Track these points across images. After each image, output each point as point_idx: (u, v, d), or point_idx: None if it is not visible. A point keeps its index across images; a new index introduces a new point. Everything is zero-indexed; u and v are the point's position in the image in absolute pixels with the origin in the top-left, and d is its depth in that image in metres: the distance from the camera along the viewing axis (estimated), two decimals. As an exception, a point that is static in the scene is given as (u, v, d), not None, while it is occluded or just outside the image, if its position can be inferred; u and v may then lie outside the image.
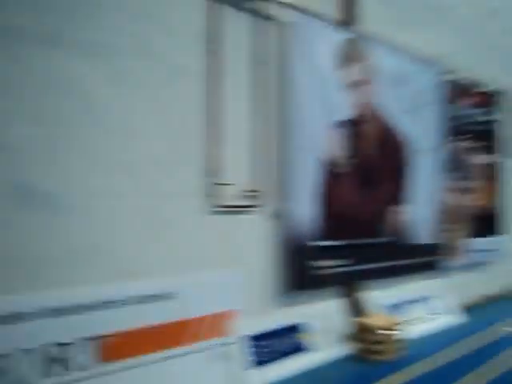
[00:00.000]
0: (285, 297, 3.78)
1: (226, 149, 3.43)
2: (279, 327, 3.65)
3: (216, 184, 3.36)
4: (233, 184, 3.45)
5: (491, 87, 6.27)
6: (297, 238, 3.81)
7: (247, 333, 3.40)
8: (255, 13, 3.65)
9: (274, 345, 3.52)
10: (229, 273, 3.41)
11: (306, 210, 3.88)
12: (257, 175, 3.64)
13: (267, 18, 3.72)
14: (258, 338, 3.45)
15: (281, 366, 3.47)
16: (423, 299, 4.96)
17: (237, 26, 3.52)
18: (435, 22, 5.61)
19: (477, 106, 6.06)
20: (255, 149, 3.65)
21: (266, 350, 3.45)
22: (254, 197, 3.60)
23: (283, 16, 3.77)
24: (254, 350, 3.38)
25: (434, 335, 4.54)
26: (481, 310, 5.52)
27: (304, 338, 3.74)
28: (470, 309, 5.37)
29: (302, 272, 3.85)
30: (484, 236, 6.10)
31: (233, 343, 3.30)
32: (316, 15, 3.99)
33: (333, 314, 4.11)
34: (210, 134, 3.36)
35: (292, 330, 3.72)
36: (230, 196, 3.46)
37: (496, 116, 6.40)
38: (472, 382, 3.38)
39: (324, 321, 3.94)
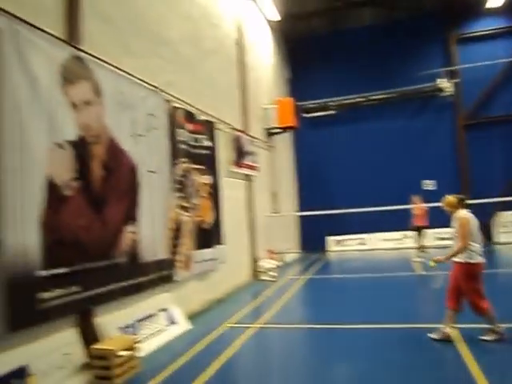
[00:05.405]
0: (3, 339, 3.23)
1: None
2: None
3: None
4: None
5: (204, 117, 7.21)
6: (16, 271, 3.34)
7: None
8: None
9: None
10: None
11: (26, 237, 3.45)
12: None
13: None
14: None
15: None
16: (154, 314, 5.16)
17: None
18: (160, 53, 6.06)
19: (197, 132, 6.86)
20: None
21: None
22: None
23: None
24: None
25: (165, 348, 4.80)
26: (206, 314, 6.25)
27: (31, 383, 3.27)
28: (196, 315, 6.02)
29: (24, 308, 3.39)
30: (208, 247, 6.91)
31: None
32: (34, 27, 3.67)
33: (64, 347, 3.78)
34: None
35: (13, 376, 3.20)
36: None
37: (211, 142, 7.41)
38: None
39: (54, 357, 3.58)
